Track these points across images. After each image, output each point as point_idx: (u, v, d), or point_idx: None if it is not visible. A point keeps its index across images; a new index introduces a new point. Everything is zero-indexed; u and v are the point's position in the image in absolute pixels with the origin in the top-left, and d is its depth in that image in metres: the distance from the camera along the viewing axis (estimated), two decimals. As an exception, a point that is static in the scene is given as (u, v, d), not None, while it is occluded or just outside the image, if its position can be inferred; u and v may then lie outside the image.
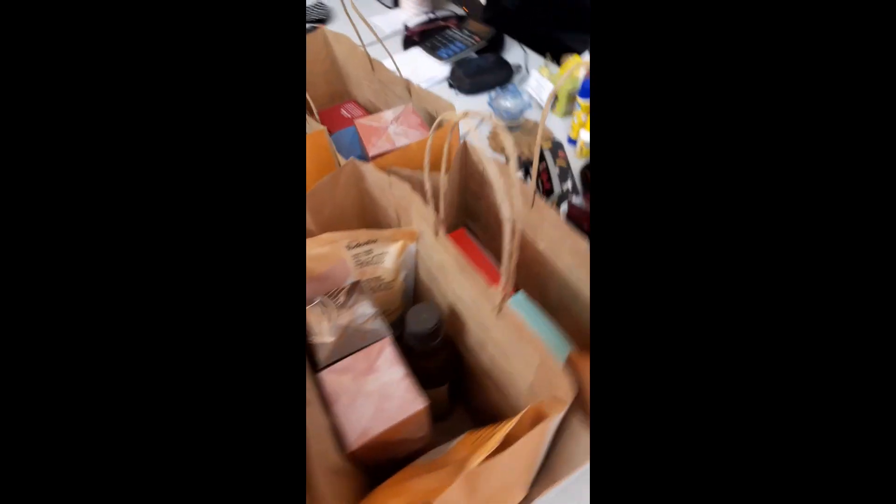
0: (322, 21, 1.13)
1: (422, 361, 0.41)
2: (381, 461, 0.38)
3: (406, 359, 0.41)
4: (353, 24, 0.50)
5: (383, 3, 1.19)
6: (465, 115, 0.27)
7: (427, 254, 0.42)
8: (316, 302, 0.41)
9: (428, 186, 0.33)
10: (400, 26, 1.10)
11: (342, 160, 0.46)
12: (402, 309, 0.51)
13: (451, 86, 0.93)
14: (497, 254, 0.50)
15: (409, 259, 0.46)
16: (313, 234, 0.44)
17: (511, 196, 0.30)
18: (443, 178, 0.30)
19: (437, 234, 0.37)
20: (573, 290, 0.39)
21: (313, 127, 0.48)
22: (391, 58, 0.53)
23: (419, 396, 0.35)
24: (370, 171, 0.42)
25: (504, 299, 0.30)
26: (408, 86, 0.53)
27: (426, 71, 0.96)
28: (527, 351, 0.29)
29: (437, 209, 0.38)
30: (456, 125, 0.29)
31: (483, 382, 0.41)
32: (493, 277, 0.47)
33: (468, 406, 0.48)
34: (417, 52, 1.01)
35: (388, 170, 0.45)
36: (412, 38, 1.05)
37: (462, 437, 0.37)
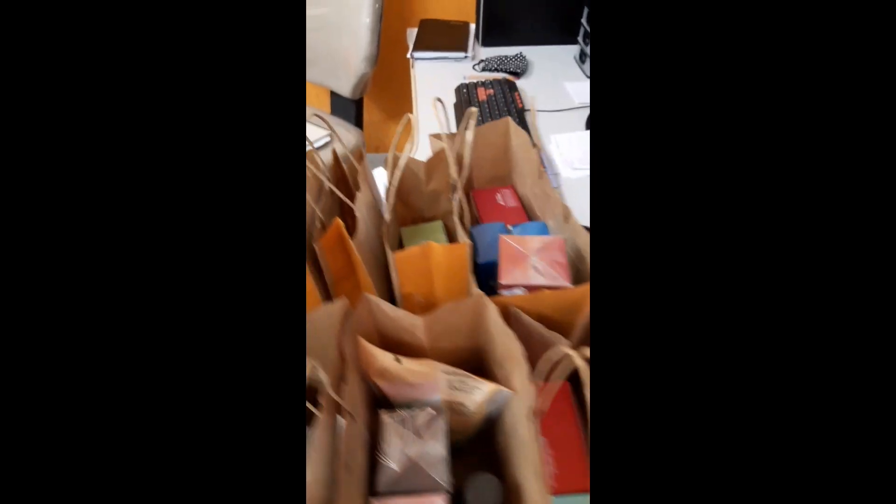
0: (516, 74, 1.15)
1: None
2: None
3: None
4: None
5: (583, 72, 1.17)
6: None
7: (516, 414, 0.40)
8: (397, 418, 0.42)
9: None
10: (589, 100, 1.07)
11: (474, 286, 0.45)
12: (478, 434, 0.49)
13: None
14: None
15: (499, 399, 0.44)
16: (423, 349, 0.45)
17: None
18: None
19: (529, 415, 0.35)
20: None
21: (461, 238, 0.48)
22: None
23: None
24: (493, 312, 0.41)
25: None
26: (565, 213, 0.51)
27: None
28: None
29: (539, 392, 0.36)
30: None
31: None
32: (569, 469, 0.42)
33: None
34: (597, 135, 0.96)
35: (511, 310, 0.43)
36: (598, 118, 1.01)
37: None
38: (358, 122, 1.42)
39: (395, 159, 0.56)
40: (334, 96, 1.43)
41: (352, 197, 0.50)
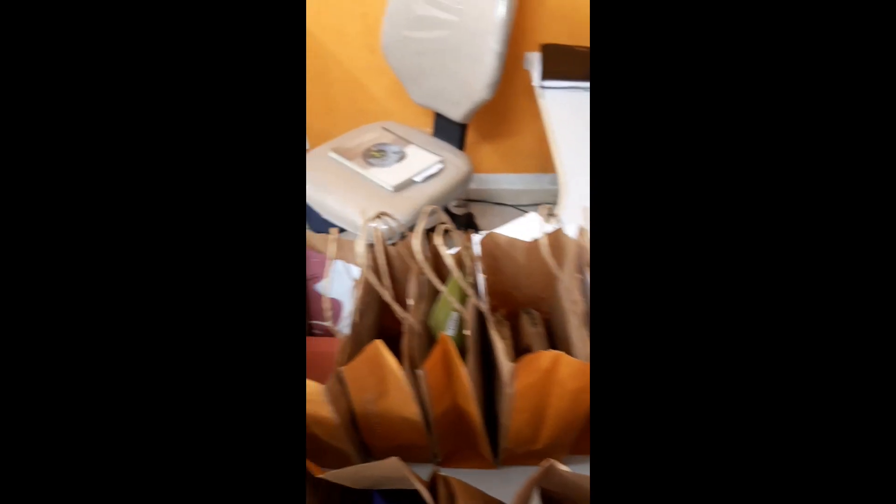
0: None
1: None
2: None
3: None
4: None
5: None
6: None
7: None
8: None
9: None
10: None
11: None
12: None
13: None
14: None
15: None
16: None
17: None
18: None
19: None
20: None
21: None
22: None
23: None
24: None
25: None
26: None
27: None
28: None
29: None
30: None
31: None
32: None
33: None
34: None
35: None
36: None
37: None
38: (461, 146, 1.38)
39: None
40: (438, 118, 1.39)
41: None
